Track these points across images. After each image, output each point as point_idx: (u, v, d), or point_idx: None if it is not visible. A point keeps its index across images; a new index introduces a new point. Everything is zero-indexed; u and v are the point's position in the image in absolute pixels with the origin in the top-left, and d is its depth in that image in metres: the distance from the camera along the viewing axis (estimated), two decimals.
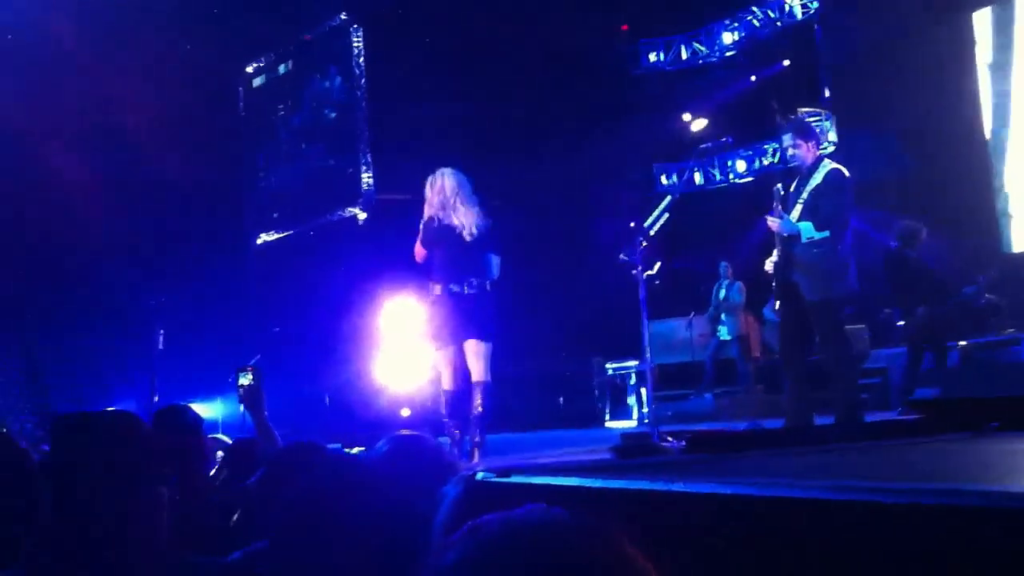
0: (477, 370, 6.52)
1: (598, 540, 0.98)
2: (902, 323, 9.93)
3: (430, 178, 6.76)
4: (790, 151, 6.59)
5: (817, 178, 6.44)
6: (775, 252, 6.52)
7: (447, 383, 6.66)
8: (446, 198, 6.59)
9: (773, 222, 6.41)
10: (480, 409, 6.48)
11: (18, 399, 14.94)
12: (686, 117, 14.84)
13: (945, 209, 11.80)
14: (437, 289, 6.58)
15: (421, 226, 6.68)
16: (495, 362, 6.69)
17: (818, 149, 6.67)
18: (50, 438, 2.14)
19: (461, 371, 6.60)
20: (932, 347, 9.24)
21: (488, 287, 6.64)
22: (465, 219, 6.57)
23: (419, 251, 6.70)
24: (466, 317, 6.51)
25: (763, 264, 6.70)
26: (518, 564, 0.94)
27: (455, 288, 6.50)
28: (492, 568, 0.94)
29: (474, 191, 6.84)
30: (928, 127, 12.54)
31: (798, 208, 6.46)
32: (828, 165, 6.54)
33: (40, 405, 14.98)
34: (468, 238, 6.53)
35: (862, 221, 13.27)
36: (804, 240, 6.31)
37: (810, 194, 6.41)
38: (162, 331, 10.94)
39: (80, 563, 1.87)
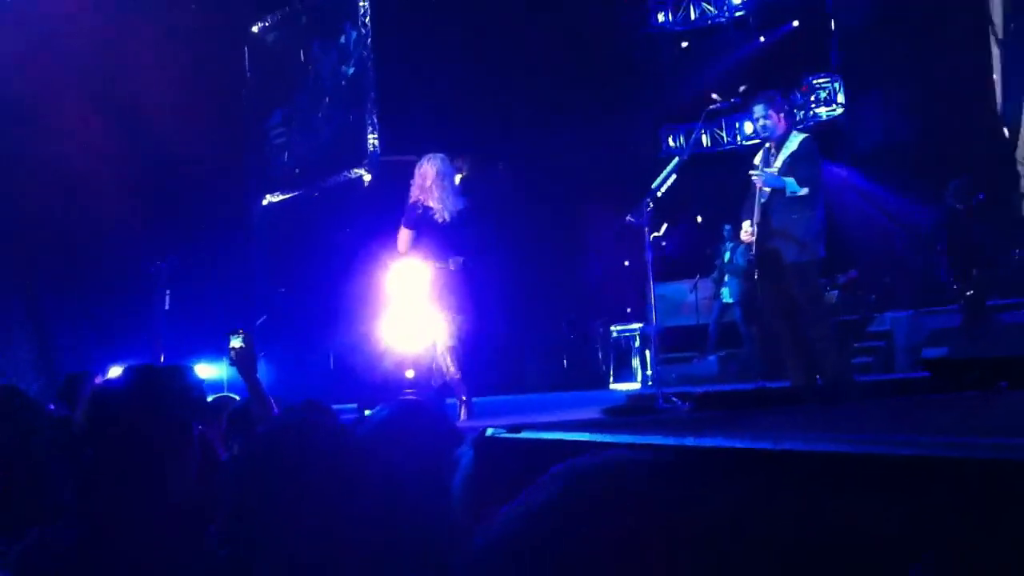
0: (448, 338, 7.16)
1: (681, 481, 1.00)
2: (956, 285, 9.76)
3: (417, 165, 7.28)
4: (760, 122, 6.67)
5: (792, 145, 6.52)
6: (748, 223, 6.59)
7: (427, 347, 7.29)
8: (426, 183, 7.12)
9: (758, 177, 6.47)
10: (458, 373, 7.11)
11: (25, 360, 15.01)
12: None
13: (958, 173, 11.73)
14: (423, 265, 7.20)
15: (406, 211, 7.27)
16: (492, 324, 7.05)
17: (787, 120, 6.70)
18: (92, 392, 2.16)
19: (450, 335, 7.23)
20: (977, 308, 9.22)
21: (466, 265, 7.20)
22: (443, 203, 7.08)
23: (403, 235, 7.28)
24: (447, 291, 7.15)
25: (742, 233, 6.76)
26: (608, 502, 0.95)
27: (439, 265, 7.11)
28: (583, 506, 0.95)
29: (460, 177, 7.48)
30: (940, 90, 12.43)
31: (761, 172, 6.52)
32: (800, 135, 6.64)
33: (47, 366, 15.05)
34: (446, 219, 7.06)
35: (871, 183, 13.24)
36: (788, 194, 6.37)
37: (786, 161, 6.49)
38: (168, 292, 10.95)
39: (128, 507, 1.90)
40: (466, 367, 7.15)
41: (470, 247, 7.27)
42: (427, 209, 7.12)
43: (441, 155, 7.33)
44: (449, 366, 7.17)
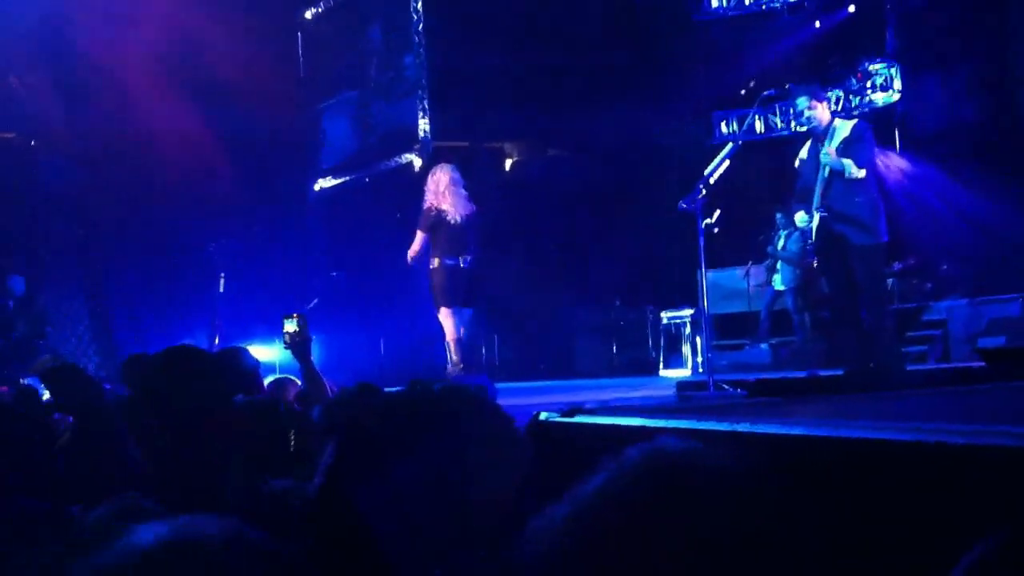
0: (459, 330, 7.81)
1: (733, 468, 1.01)
2: None
3: (430, 173, 8.09)
4: (806, 113, 6.71)
5: (844, 131, 6.57)
6: (803, 212, 6.60)
7: (453, 335, 7.81)
8: (439, 189, 7.89)
9: (832, 151, 6.48)
10: (461, 364, 7.76)
11: (82, 340, 15.30)
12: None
13: (1019, 158, 11.51)
14: (435, 262, 7.83)
15: (421, 215, 7.96)
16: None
17: (829, 108, 6.82)
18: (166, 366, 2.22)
19: (458, 327, 7.84)
20: None
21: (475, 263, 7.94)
22: (455, 207, 7.83)
23: (419, 238, 7.90)
24: (458, 287, 7.79)
25: (797, 220, 6.80)
26: (660, 486, 0.97)
27: (450, 262, 7.76)
28: (635, 490, 0.97)
29: (464, 185, 8.09)
30: (1001, 72, 12.19)
31: (831, 149, 6.53)
32: (848, 121, 6.73)
33: (104, 346, 15.33)
34: (458, 221, 7.81)
35: (928, 169, 13.03)
36: (847, 176, 6.41)
37: (838, 148, 6.51)
38: (223, 275, 11.10)
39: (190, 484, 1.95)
40: (470, 358, 7.87)
41: (479, 247, 8.02)
42: (440, 212, 7.83)
43: (452, 165, 8.14)
44: (454, 357, 7.78)
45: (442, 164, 8.18)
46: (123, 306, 15.25)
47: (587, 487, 1.02)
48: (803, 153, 6.83)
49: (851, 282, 6.51)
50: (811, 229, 6.75)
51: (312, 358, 4.28)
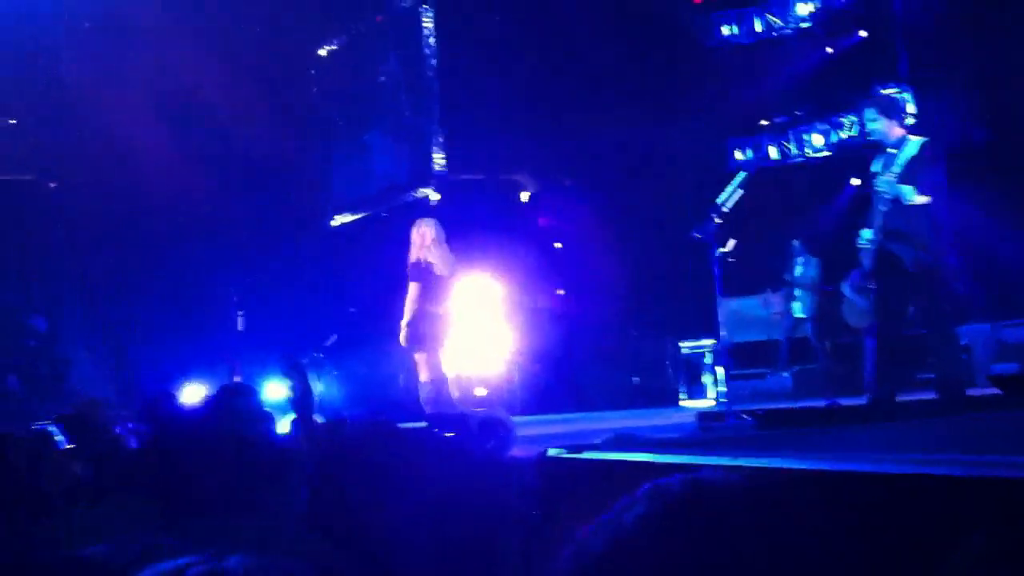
0: (438, 371, 8.46)
1: (767, 503, 1.01)
2: None
3: (415, 226, 8.65)
4: (869, 126, 6.64)
5: (912, 150, 6.46)
6: (862, 230, 6.56)
7: (427, 376, 8.40)
8: (425, 242, 8.44)
9: (891, 176, 6.41)
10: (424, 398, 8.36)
11: (103, 375, 15.38)
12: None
13: None
14: (416, 307, 8.36)
15: (408, 267, 8.49)
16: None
17: (901, 125, 6.63)
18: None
19: (435, 368, 8.48)
20: None
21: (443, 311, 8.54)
22: (442, 260, 8.44)
23: (413, 288, 8.39)
24: (438, 332, 8.45)
25: (855, 237, 6.73)
26: (698, 518, 0.97)
27: (432, 309, 8.34)
28: (676, 521, 0.97)
29: (447, 239, 8.73)
30: (1017, 95, 12.13)
31: (890, 177, 6.45)
32: (918, 139, 6.57)
33: (126, 384, 15.40)
34: (444, 273, 8.43)
35: (947, 193, 12.97)
36: (906, 202, 6.35)
37: (906, 165, 6.43)
38: (241, 312, 11.17)
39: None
40: (441, 396, 8.42)
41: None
42: (428, 264, 8.39)
43: (435, 220, 8.77)
44: (423, 395, 8.42)
45: (426, 219, 8.81)
46: (143, 344, 15.33)
47: (626, 516, 1.02)
48: (876, 166, 6.71)
49: (901, 303, 6.46)
50: (869, 250, 6.69)
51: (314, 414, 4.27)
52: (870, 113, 6.64)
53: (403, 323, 8.43)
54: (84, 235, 15.32)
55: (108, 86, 13.79)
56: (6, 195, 15.12)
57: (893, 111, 6.65)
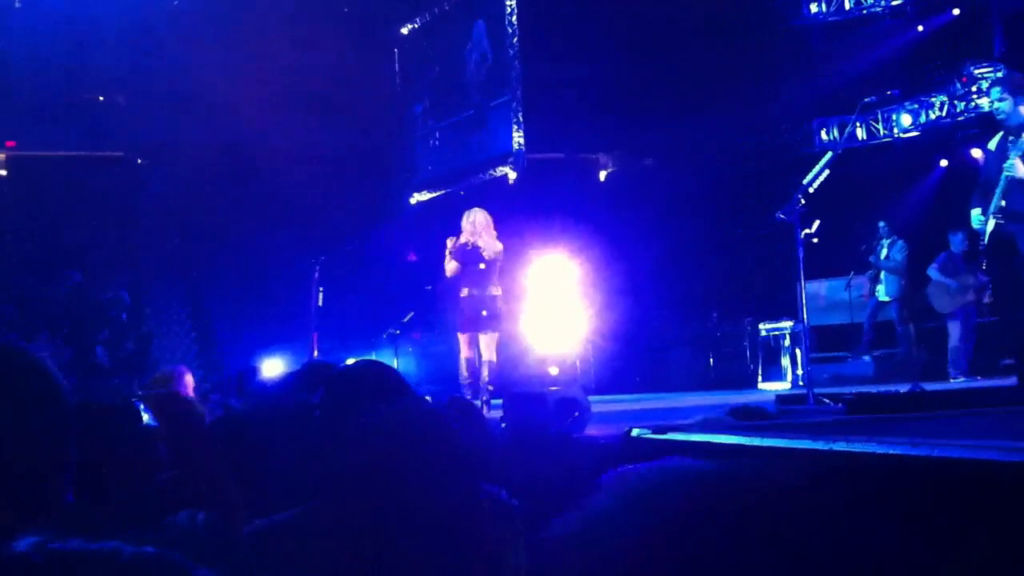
0: (488, 353, 8.84)
1: (728, 489, 0.99)
2: None
3: (465, 213, 9.07)
4: (996, 104, 6.57)
5: None
6: (979, 210, 6.46)
7: (467, 354, 8.93)
8: (475, 229, 8.89)
9: (1018, 162, 6.41)
10: (488, 379, 8.77)
11: (188, 354, 15.73)
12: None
13: None
14: (464, 292, 8.91)
15: (453, 247, 8.95)
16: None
17: None
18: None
19: (477, 350, 8.94)
20: None
21: (499, 292, 9.04)
22: (489, 245, 8.84)
23: (450, 265, 8.95)
24: (490, 314, 8.85)
25: (974, 215, 6.64)
26: (659, 508, 0.96)
27: (476, 292, 8.82)
28: (635, 512, 0.96)
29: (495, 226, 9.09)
30: None
31: (1017, 161, 6.43)
32: None
33: (209, 360, 15.74)
34: (489, 257, 8.83)
35: None
36: None
37: None
38: (321, 289, 11.30)
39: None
40: (494, 379, 8.83)
41: (503, 280, 9.30)
42: (476, 248, 8.83)
43: (484, 209, 9.12)
44: (486, 375, 8.81)
45: (476, 208, 9.17)
46: (226, 319, 15.63)
47: (593, 502, 1.02)
48: (992, 144, 6.71)
49: (1017, 284, 6.39)
50: (984, 231, 6.65)
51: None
52: (997, 91, 6.60)
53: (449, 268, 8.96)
54: (169, 212, 15.65)
55: (197, 66, 14.03)
56: (95, 171, 15.51)
57: (1021, 91, 6.55)
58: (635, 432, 1.71)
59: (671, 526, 0.95)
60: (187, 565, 1.17)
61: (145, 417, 2.86)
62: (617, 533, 0.96)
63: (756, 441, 1.49)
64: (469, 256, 8.88)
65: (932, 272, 11.40)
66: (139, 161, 15.86)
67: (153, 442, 2.75)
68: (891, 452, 1.21)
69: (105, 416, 2.65)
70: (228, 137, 14.68)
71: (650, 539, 0.94)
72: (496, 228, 13.26)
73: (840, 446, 1.31)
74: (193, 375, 14.58)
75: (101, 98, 15.31)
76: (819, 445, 1.34)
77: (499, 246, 8.98)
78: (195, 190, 15.16)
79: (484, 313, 8.85)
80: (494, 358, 8.92)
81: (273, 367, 10.79)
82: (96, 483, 2.49)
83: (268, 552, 1.98)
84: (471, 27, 15.75)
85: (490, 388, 8.77)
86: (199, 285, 15.95)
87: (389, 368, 2.30)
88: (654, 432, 1.70)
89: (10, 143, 15.38)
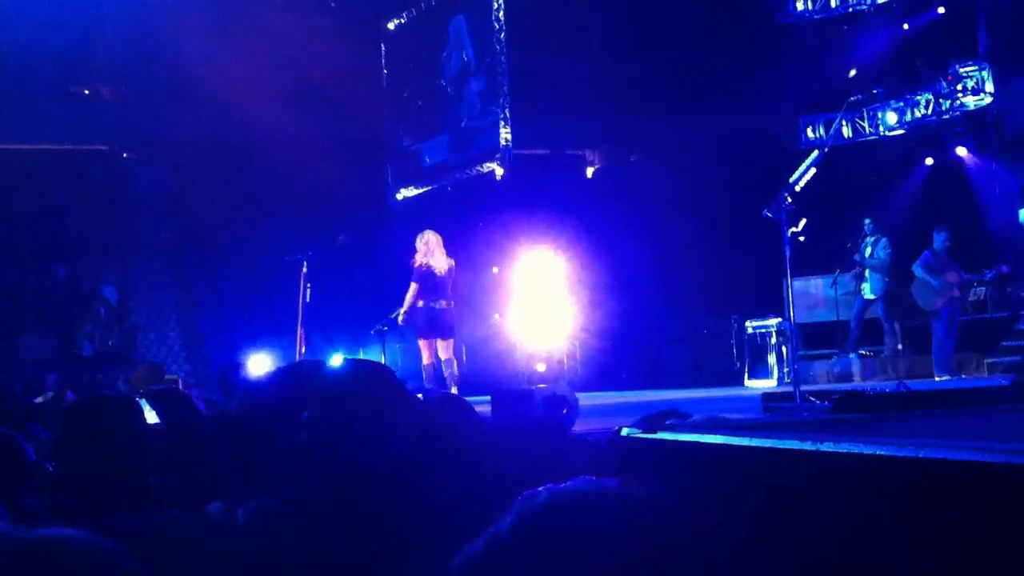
0: (448, 353, 10.15)
1: (639, 513, 1.01)
2: None
3: (419, 235, 10.14)
4: None
5: None
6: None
7: (428, 360, 10.10)
8: (430, 249, 9.95)
9: None
10: (455, 371, 10.12)
11: (173, 348, 15.69)
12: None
13: None
14: (420, 303, 9.96)
15: (412, 270, 9.99)
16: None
17: None
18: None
19: (436, 354, 10.14)
20: None
21: (452, 304, 10.21)
22: (441, 263, 9.96)
23: (413, 288, 9.94)
24: (441, 323, 10.07)
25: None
26: (561, 534, 1.00)
27: (434, 304, 9.93)
28: (539, 536, 1.00)
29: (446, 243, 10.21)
30: None
31: None
32: None
33: (195, 354, 15.69)
34: (442, 274, 9.96)
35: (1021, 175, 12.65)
36: None
37: None
38: (309, 285, 11.28)
39: None
40: (439, 379, 9.99)
41: (457, 293, 10.45)
42: (429, 267, 9.91)
43: (434, 230, 10.19)
44: (455, 368, 10.10)
45: (428, 230, 10.19)
46: (212, 314, 15.59)
47: (502, 526, 1.04)
48: None
49: None
50: None
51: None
52: None
53: (402, 312, 10.14)
54: (156, 206, 15.59)
55: (184, 61, 13.97)
56: (80, 165, 15.44)
57: None
58: (624, 431, 1.72)
59: (571, 554, 0.98)
60: (117, 552, 1.18)
61: (149, 413, 2.87)
62: (517, 559, 0.98)
63: (745, 441, 1.50)
64: (425, 275, 10.03)
65: (916, 269, 11.47)
66: (124, 155, 15.79)
67: (153, 436, 2.77)
68: (878, 453, 1.23)
69: (107, 410, 2.65)
70: (215, 131, 14.64)
71: (543, 566, 0.97)
72: (483, 224, 14.27)
73: (828, 447, 1.32)
74: (180, 370, 14.54)
75: (87, 91, 15.23)
76: (806, 446, 1.35)
77: (451, 262, 10.16)
78: (181, 184, 15.12)
79: (440, 322, 10.04)
80: (452, 355, 10.24)
81: (259, 363, 10.75)
82: (96, 477, 2.50)
83: (266, 536, 1.98)
84: (458, 22, 15.73)
85: (456, 375, 10.10)
86: (186, 280, 15.90)
87: (382, 373, 2.29)
88: (643, 431, 1.71)
89: None
